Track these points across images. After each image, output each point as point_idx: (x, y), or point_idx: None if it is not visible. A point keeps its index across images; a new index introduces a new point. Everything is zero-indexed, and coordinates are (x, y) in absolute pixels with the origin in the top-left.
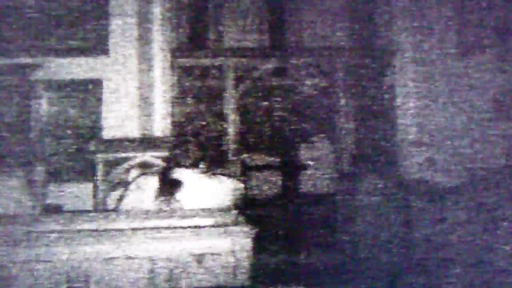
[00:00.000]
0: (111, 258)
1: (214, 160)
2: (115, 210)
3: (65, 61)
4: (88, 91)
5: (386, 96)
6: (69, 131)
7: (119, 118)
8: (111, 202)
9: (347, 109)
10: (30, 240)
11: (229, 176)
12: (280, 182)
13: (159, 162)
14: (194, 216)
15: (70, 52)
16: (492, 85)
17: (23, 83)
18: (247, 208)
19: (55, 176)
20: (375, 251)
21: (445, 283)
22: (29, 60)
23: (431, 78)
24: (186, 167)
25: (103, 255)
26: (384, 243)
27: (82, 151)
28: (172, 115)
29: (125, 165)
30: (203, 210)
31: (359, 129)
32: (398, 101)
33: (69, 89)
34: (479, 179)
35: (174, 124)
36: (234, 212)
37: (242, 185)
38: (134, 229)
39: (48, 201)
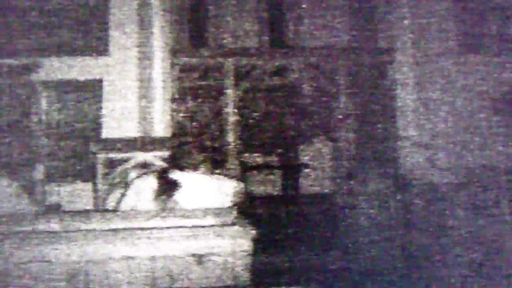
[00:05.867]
0: (111, 258)
1: (214, 160)
2: (115, 210)
3: (65, 61)
4: (88, 91)
5: (386, 96)
6: (69, 131)
7: (119, 118)
8: (111, 202)
9: (347, 109)
10: (30, 240)
11: (229, 176)
12: (280, 182)
13: (159, 162)
14: (194, 216)
15: (70, 52)
16: (492, 84)
17: (23, 83)
18: (247, 208)
19: (55, 176)
20: (375, 251)
21: (445, 283)
22: (29, 60)
23: (431, 78)
24: (186, 167)
25: (103, 255)
26: (384, 243)
27: (82, 151)
28: (172, 115)
29: (125, 165)
30: (203, 210)
31: (359, 129)
32: (398, 101)
33: (69, 89)
34: (479, 179)
35: (174, 124)
36: (234, 212)
37: (242, 185)
38: (134, 229)
39: (48, 201)
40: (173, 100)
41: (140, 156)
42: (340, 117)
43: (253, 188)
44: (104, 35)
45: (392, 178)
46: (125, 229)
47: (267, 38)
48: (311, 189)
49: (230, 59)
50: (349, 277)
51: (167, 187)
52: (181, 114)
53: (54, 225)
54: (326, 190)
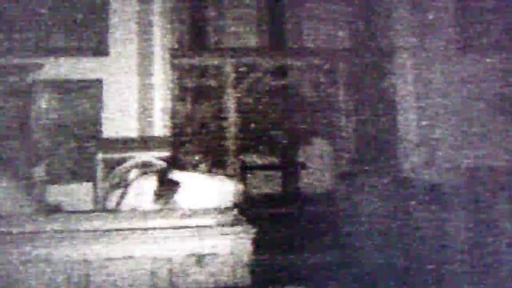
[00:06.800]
0: (111, 258)
1: (214, 160)
2: (115, 210)
3: (65, 61)
4: (88, 91)
5: (386, 96)
6: (69, 131)
7: (119, 118)
8: (111, 202)
9: (347, 109)
10: (30, 240)
11: (229, 176)
12: (280, 182)
13: (159, 162)
14: (194, 216)
15: (70, 52)
16: (492, 85)
17: (23, 83)
18: (247, 208)
19: (55, 176)
20: (375, 251)
21: (444, 283)
22: (29, 60)
23: (431, 78)
24: (186, 167)
25: (103, 255)
26: (383, 243)
27: (82, 151)
28: (172, 115)
29: (125, 165)
30: (203, 210)
31: (359, 129)
32: (398, 101)
33: (69, 89)
34: (479, 179)
35: (174, 124)
36: (234, 212)
37: (242, 185)
38: (134, 229)
39: (48, 201)
40: (173, 100)
41: (140, 156)
42: (340, 117)
43: (253, 188)
44: (104, 35)
45: (392, 178)
46: (125, 229)
47: (267, 38)
48: (311, 189)
49: (230, 59)
50: (349, 277)
51: (167, 187)
52: (181, 114)
53: (54, 225)
54: (326, 190)
